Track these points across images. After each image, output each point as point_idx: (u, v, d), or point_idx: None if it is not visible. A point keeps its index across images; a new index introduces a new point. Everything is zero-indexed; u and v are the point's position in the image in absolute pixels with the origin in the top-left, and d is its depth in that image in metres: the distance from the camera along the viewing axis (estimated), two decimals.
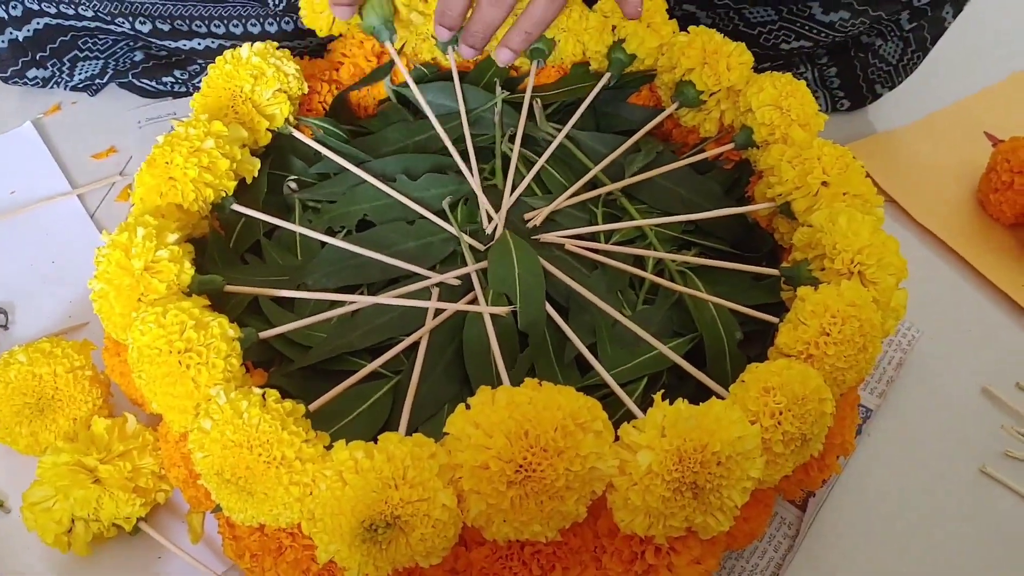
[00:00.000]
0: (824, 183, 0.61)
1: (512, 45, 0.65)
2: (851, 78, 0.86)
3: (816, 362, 0.52)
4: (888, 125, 0.89)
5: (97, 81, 0.84)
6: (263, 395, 0.47)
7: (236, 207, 0.61)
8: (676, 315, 0.62)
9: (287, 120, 0.66)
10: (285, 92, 0.65)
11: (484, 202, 0.65)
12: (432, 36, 0.70)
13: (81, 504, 0.53)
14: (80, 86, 0.83)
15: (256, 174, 0.62)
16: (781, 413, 0.48)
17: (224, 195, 0.60)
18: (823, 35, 0.79)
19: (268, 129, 0.65)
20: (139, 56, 0.82)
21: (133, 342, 0.49)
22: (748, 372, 0.50)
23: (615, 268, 0.63)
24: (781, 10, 0.78)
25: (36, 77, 0.82)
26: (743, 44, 0.69)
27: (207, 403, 0.48)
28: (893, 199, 0.82)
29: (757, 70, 0.69)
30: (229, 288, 0.56)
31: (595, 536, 0.50)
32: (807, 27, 0.79)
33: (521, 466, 0.45)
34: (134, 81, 0.82)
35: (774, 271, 0.61)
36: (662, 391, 0.49)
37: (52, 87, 0.84)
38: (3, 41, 0.79)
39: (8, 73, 0.81)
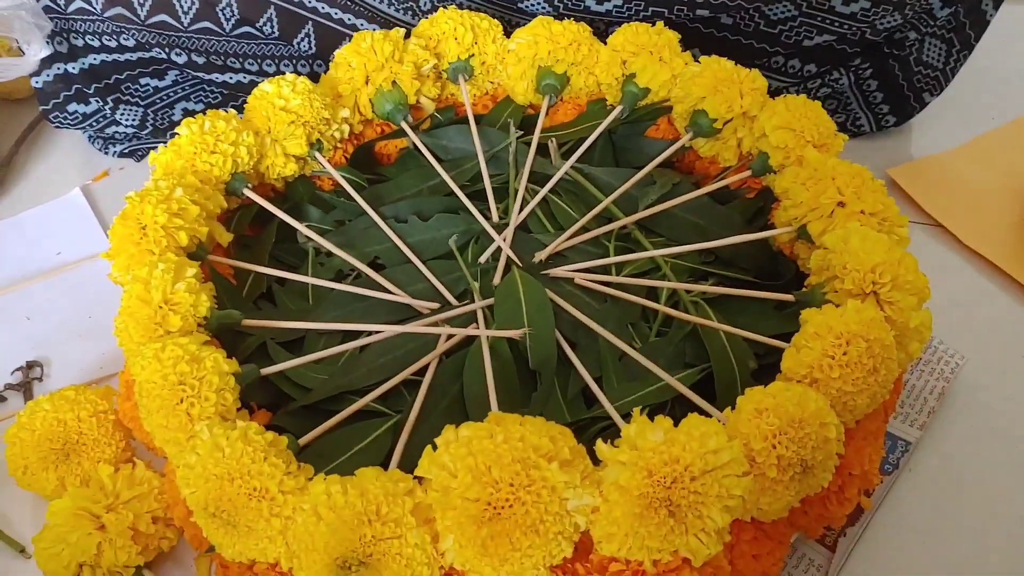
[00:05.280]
0: (840, 203, 0.58)
1: None
2: (894, 87, 0.83)
3: (822, 386, 0.49)
4: (932, 150, 0.86)
5: (138, 140, 0.86)
6: (246, 429, 0.47)
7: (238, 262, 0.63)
8: (690, 347, 0.60)
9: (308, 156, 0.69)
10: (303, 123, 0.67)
11: (493, 233, 0.65)
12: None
13: (81, 551, 0.53)
14: (126, 151, 0.87)
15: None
16: (775, 436, 0.46)
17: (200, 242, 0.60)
18: (846, 27, 0.76)
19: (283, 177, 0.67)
20: (177, 115, 0.85)
21: (136, 377, 0.50)
22: (744, 396, 0.48)
23: (625, 301, 0.61)
24: (801, 4, 0.76)
25: (76, 112, 0.84)
26: (757, 70, 0.68)
27: (193, 439, 0.48)
28: (940, 223, 0.78)
29: (790, 76, 0.66)
30: (247, 323, 0.57)
31: (587, 573, 0.47)
32: (828, 20, 0.76)
33: (490, 503, 0.43)
34: None
35: (789, 297, 0.59)
36: (647, 408, 0.47)
37: (94, 126, 0.85)
38: (49, 75, 0.81)
39: (50, 106, 0.83)
